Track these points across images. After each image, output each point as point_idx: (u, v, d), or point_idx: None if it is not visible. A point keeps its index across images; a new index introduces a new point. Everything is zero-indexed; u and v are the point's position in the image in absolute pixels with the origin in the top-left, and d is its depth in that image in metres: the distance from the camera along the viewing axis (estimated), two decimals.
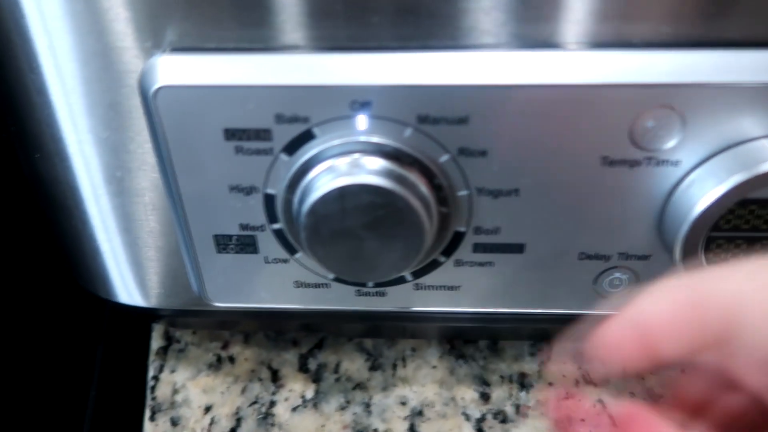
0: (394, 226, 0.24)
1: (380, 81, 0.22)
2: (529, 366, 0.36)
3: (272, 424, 0.33)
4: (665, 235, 0.25)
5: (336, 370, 0.36)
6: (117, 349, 0.39)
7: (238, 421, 0.34)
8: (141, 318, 0.39)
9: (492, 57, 0.22)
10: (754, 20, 0.22)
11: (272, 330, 0.39)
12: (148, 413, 0.34)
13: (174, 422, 0.34)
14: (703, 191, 0.23)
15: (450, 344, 0.38)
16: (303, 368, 0.36)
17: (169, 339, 0.39)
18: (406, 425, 0.33)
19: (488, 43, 0.22)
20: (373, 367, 0.36)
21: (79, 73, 0.24)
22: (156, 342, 0.38)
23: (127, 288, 0.32)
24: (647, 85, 0.22)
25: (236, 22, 0.23)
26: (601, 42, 0.22)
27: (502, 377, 0.36)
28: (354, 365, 0.37)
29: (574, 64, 0.22)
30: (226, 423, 0.34)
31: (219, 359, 0.37)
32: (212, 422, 0.34)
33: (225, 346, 0.38)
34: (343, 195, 0.23)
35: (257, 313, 0.33)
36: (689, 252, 0.24)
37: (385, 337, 0.38)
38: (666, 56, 0.22)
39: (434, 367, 0.36)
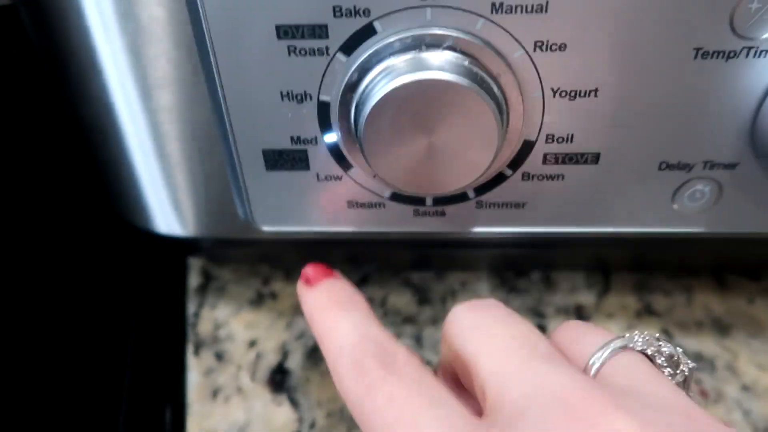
0: (464, 129, 0.22)
1: None
2: (585, 298, 0.34)
3: (321, 358, 0.32)
4: (759, 141, 0.22)
5: (383, 304, 0.35)
6: (154, 285, 0.38)
7: (285, 355, 0.33)
8: (179, 251, 0.38)
9: None
10: None
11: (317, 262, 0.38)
12: (191, 348, 0.33)
13: (219, 356, 0.33)
14: None
15: (501, 278, 0.36)
16: None
17: (207, 276, 0.37)
18: None
19: None
20: (422, 301, 0.35)
21: None
22: (194, 279, 0.37)
23: (165, 216, 0.30)
24: None
25: None
26: None
27: (558, 309, 0.34)
28: (402, 299, 0.35)
29: None
30: (272, 357, 0.32)
31: (260, 295, 0.36)
32: (258, 356, 0.32)
33: (266, 282, 0.37)
34: (407, 94, 0.21)
35: (301, 243, 0.31)
36: None
37: (433, 269, 0.37)
38: None
39: None
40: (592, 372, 0.20)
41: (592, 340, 0.21)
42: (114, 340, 0.33)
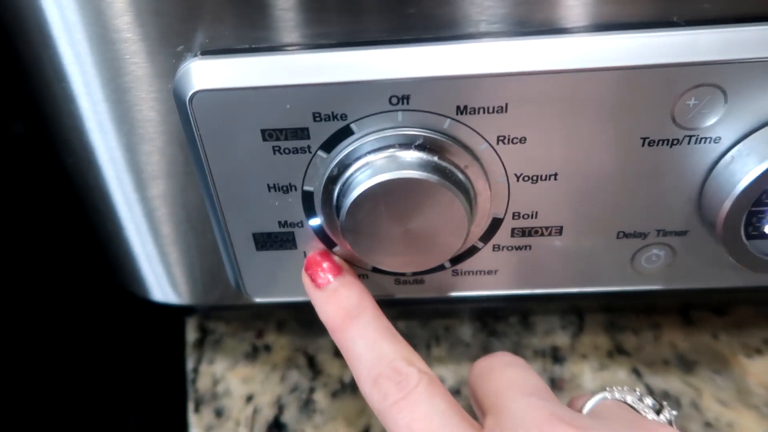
0: (435, 218, 0.24)
1: (419, 74, 0.22)
2: (561, 339, 0.37)
3: (314, 410, 0.34)
4: (705, 211, 0.25)
5: None
6: (154, 343, 0.39)
7: (281, 408, 0.34)
8: (175, 312, 0.39)
9: (530, 44, 0.22)
10: None
11: (304, 317, 0.39)
12: (191, 406, 0.35)
13: (218, 413, 0.34)
14: (746, 167, 0.23)
15: (482, 322, 0.38)
16: (338, 353, 0.37)
17: (203, 331, 0.39)
18: None
19: (527, 30, 0.22)
20: None
21: (106, 81, 0.24)
22: (191, 334, 0.39)
23: (161, 287, 0.32)
24: (689, 64, 0.21)
25: (268, 21, 0.22)
26: (640, 23, 0.22)
27: (535, 352, 0.36)
28: None
29: (614, 47, 0.22)
30: (269, 411, 0.34)
31: (255, 348, 0.38)
32: (255, 411, 0.34)
33: (260, 335, 0.38)
34: (383, 190, 0.23)
35: (293, 303, 0.33)
36: (730, 227, 0.24)
37: (418, 318, 0.39)
38: (707, 33, 0.21)
39: (468, 345, 0.37)
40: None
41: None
42: (117, 402, 0.35)
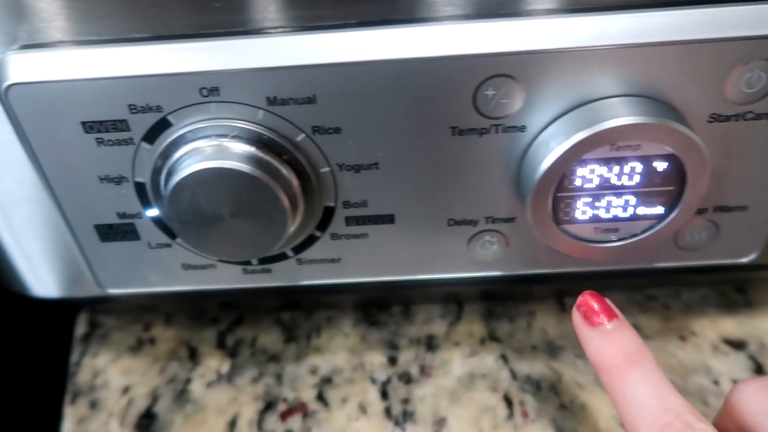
0: (256, 208, 0.24)
1: (225, 66, 0.23)
2: (438, 328, 0.38)
3: (187, 401, 0.35)
4: (521, 197, 0.26)
5: (252, 345, 0.37)
6: (42, 339, 0.40)
7: (155, 399, 0.35)
8: (65, 308, 0.40)
9: (331, 37, 0.22)
10: None
11: (193, 310, 0.40)
12: (68, 398, 0.35)
13: (93, 405, 0.35)
14: (547, 153, 0.24)
15: (364, 312, 0.39)
16: (221, 345, 0.38)
17: (92, 325, 0.39)
18: (314, 392, 0.35)
19: (328, 24, 0.23)
20: (288, 339, 0.38)
21: None
22: (80, 328, 0.39)
23: (32, 282, 0.32)
24: (484, 55, 0.22)
25: (82, 15, 0.23)
26: (436, 16, 0.22)
27: (410, 340, 0.37)
28: (270, 338, 0.38)
29: (412, 39, 0.22)
30: (143, 402, 0.35)
31: (140, 341, 0.38)
32: (130, 402, 0.35)
33: (147, 328, 0.39)
34: (199, 181, 0.24)
35: (175, 295, 0.34)
36: (539, 212, 0.25)
37: (302, 309, 0.39)
38: (500, 25, 0.22)
39: (347, 335, 0.38)
40: None
41: None
42: None
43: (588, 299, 0.25)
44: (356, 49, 0.22)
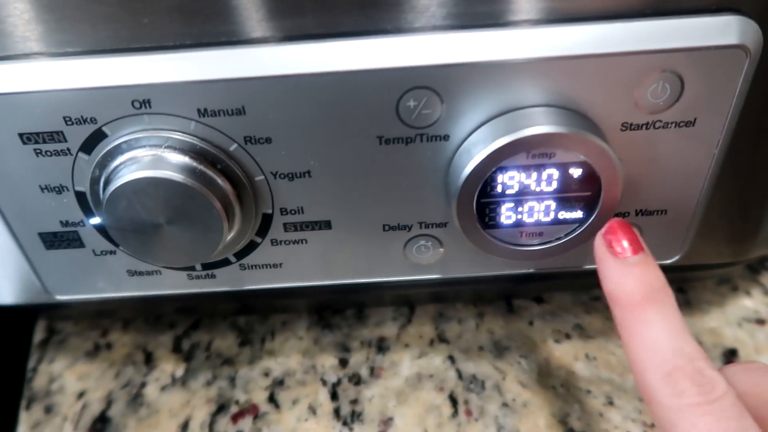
0: (192, 216, 0.25)
1: (156, 80, 0.24)
2: (389, 330, 0.38)
3: (141, 404, 0.35)
4: (449, 203, 0.27)
5: (208, 348, 0.38)
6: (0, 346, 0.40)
7: (109, 403, 0.36)
8: (23, 314, 0.40)
9: (257, 51, 0.23)
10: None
11: (151, 315, 0.41)
12: (24, 403, 0.36)
13: (48, 410, 0.35)
14: (468, 160, 0.25)
15: (319, 315, 0.40)
16: (176, 349, 0.38)
17: (50, 331, 0.40)
18: (266, 395, 0.35)
19: (255, 38, 0.24)
20: (243, 343, 0.38)
21: None
22: (38, 335, 0.40)
23: None
24: (403, 68, 0.23)
25: (18, 32, 0.24)
26: (354, 30, 0.23)
27: (362, 343, 0.38)
28: (225, 342, 0.38)
29: (334, 53, 0.23)
30: (97, 406, 0.35)
31: (97, 347, 0.39)
32: (84, 407, 0.35)
33: (104, 334, 0.40)
34: (135, 189, 0.24)
35: (131, 300, 0.34)
36: (465, 217, 0.26)
37: (257, 313, 0.40)
38: (419, 39, 0.23)
39: (301, 338, 0.38)
40: None
41: None
42: None
43: (616, 227, 0.24)
44: (281, 62, 0.23)
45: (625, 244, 0.24)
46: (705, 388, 0.21)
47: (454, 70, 0.23)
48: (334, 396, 0.35)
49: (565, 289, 0.39)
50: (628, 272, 0.23)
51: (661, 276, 0.23)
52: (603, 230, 0.24)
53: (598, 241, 0.24)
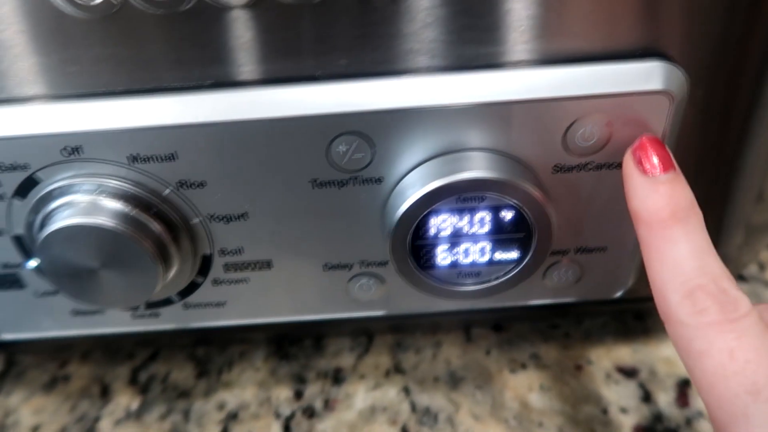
0: (126, 260, 0.25)
1: (85, 127, 0.24)
2: (346, 360, 0.38)
3: None
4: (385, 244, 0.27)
5: (164, 380, 0.38)
6: None
7: None
8: None
9: (189, 98, 0.23)
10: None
11: (110, 346, 0.41)
12: None
13: None
14: (401, 202, 0.25)
15: (277, 346, 0.40)
16: (133, 381, 0.38)
17: (10, 363, 0.40)
18: (219, 429, 0.35)
19: (184, 85, 0.24)
20: (200, 374, 0.38)
21: None
22: None
23: None
24: (331, 115, 0.23)
25: None
26: (282, 77, 0.23)
27: (318, 374, 0.38)
28: (182, 374, 0.38)
29: (262, 99, 0.23)
30: None
31: (54, 379, 0.39)
32: None
33: (63, 365, 0.39)
34: (66, 236, 0.24)
35: (86, 334, 0.34)
36: (400, 258, 0.26)
37: (216, 344, 0.40)
38: (346, 86, 0.23)
39: (258, 369, 0.38)
40: None
41: None
42: None
43: (647, 143, 0.23)
44: (210, 110, 0.23)
45: (655, 160, 0.23)
46: (728, 307, 0.20)
47: (382, 116, 0.23)
48: (287, 430, 0.35)
49: (523, 318, 0.39)
50: (655, 189, 0.22)
51: (689, 195, 0.23)
52: (633, 145, 0.24)
53: (627, 157, 0.24)
